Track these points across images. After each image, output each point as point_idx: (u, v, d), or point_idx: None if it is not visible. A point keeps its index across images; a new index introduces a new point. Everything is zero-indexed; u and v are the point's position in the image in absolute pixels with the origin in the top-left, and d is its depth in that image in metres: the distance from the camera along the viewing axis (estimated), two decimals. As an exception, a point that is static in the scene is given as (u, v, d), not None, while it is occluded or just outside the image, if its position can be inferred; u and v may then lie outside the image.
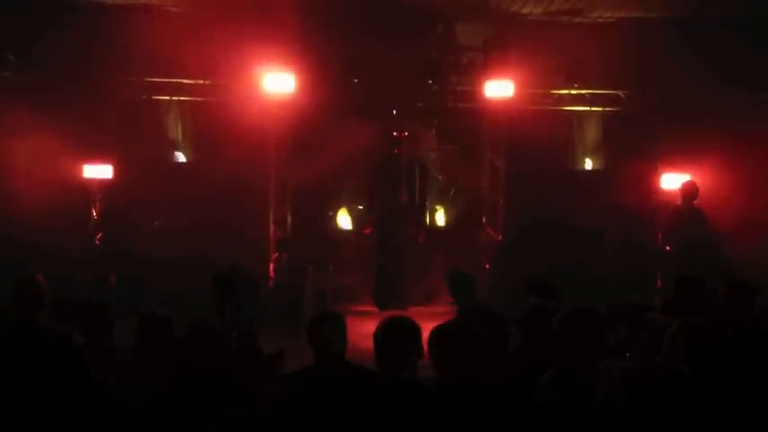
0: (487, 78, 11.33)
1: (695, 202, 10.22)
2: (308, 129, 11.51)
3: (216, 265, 6.17)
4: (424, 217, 12.37)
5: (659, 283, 11.80)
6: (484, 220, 11.96)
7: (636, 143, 11.83)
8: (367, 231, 11.70)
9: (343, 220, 12.44)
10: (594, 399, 3.35)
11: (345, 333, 4.34)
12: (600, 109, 12.39)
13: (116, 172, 11.51)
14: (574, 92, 12.18)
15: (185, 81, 11.74)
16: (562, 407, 3.33)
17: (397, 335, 3.73)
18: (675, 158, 11.57)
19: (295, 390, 3.77)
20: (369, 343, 3.88)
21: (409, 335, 3.73)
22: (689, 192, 10.25)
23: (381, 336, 3.73)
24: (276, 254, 11.47)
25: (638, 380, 2.94)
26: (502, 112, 11.53)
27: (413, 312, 10.15)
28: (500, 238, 11.71)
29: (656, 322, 4.04)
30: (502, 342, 4.24)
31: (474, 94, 11.86)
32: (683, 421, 2.81)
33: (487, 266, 11.67)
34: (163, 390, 3.90)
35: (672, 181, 11.72)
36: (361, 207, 12.38)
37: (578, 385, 3.48)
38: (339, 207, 12.48)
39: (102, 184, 11.57)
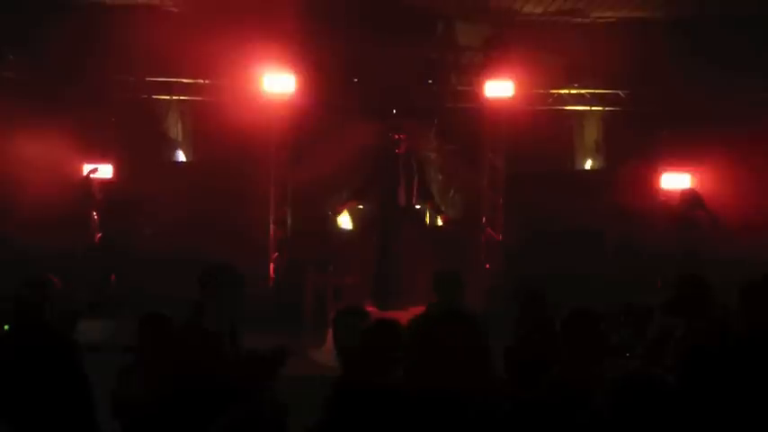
0: (487, 78, 11.34)
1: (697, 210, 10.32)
2: (308, 129, 11.52)
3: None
4: (424, 217, 12.38)
5: (659, 282, 11.83)
6: (484, 220, 11.96)
7: (636, 143, 11.83)
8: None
9: (344, 220, 12.42)
10: (589, 401, 3.34)
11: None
12: (600, 109, 12.40)
13: (116, 172, 11.50)
14: (574, 92, 12.19)
15: (185, 81, 11.74)
16: (558, 408, 3.32)
17: (378, 340, 3.74)
18: (675, 158, 11.58)
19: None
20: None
21: (390, 340, 3.74)
22: (686, 198, 10.35)
23: (362, 340, 3.76)
24: (276, 254, 11.47)
25: (618, 386, 2.92)
26: (502, 112, 11.54)
27: (413, 312, 10.16)
28: (500, 238, 11.71)
29: (663, 324, 4.03)
30: (475, 345, 4.07)
31: (474, 94, 11.86)
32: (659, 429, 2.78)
33: (488, 266, 11.67)
34: (164, 390, 3.91)
35: (672, 181, 11.72)
36: (361, 207, 12.36)
37: (578, 387, 3.47)
38: (337, 205, 12.45)
39: (103, 184, 11.56)
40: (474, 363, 3.40)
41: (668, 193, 11.86)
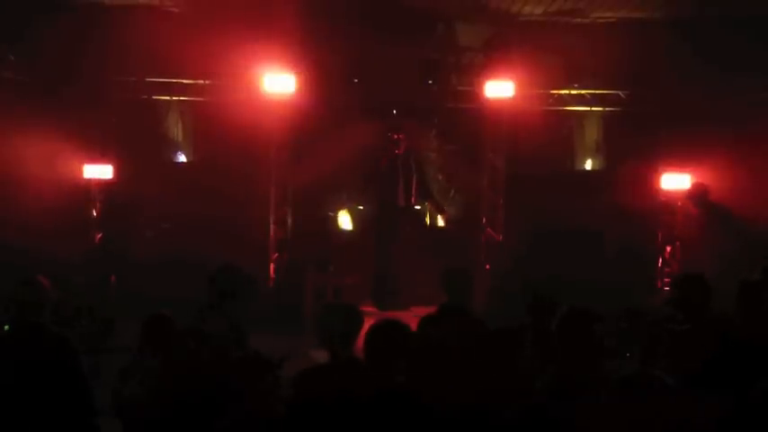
0: (488, 79, 11.35)
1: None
2: (308, 129, 11.52)
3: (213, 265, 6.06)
4: (424, 217, 12.39)
5: (659, 283, 11.84)
6: (484, 220, 11.97)
7: (636, 143, 11.83)
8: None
9: (344, 220, 12.43)
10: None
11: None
12: (600, 109, 12.40)
13: (116, 172, 11.50)
14: (574, 92, 12.19)
15: (185, 81, 11.74)
16: (553, 410, 3.31)
17: (382, 341, 3.75)
18: (675, 158, 11.57)
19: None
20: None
21: (396, 341, 3.75)
22: (696, 193, 10.22)
23: (367, 340, 3.78)
24: (276, 254, 11.47)
25: (618, 387, 2.91)
26: (502, 113, 11.55)
27: (413, 312, 10.16)
28: (500, 238, 11.72)
29: (663, 325, 4.02)
30: (476, 348, 4.03)
31: (474, 95, 11.87)
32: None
33: (488, 267, 11.68)
34: (165, 391, 3.91)
35: (672, 181, 11.72)
36: (361, 207, 12.37)
37: (576, 389, 3.47)
38: (339, 207, 12.47)
39: (103, 184, 11.56)
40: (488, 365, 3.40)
41: (669, 194, 11.86)
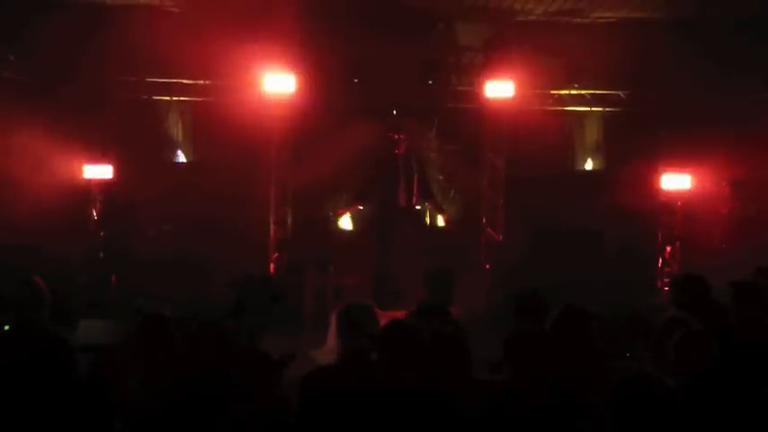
0: (488, 79, 11.34)
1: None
2: (308, 129, 11.52)
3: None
4: (424, 217, 12.37)
5: (659, 283, 11.83)
6: (484, 220, 11.97)
7: (636, 143, 11.83)
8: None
9: (344, 220, 12.42)
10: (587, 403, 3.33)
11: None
12: (600, 109, 12.40)
13: (116, 172, 11.50)
14: (574, 92, 12.20)
15: (185, 81, 11.74)
16: (552, 410, 3.32)
17: (394, 341, 3.76)
18: (675, 158, 11.57)
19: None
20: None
21: (405, 341, 3.76)
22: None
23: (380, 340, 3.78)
24: (276, 254, 11.47)
25: (618, 387, 2.91)
26: (502, 113, 11.55)
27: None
28: (500, 238, 11.72)
29: (664, 325, 4.01)
30: (454, 343, 4.03)
31: (474, 95, 11.87)
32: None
33: (488, 267, 11.68)
34: (165, 391, 3.91)
35: (672, 181, 11.72)
36: (361, 207, 12.36)
37: (573, 388, 3.47)
38: (339, 207, 12.45)
39: (103, 184, 11.55)
40: (454, 361, 3.41)
41: (669, 194, 11.85)
